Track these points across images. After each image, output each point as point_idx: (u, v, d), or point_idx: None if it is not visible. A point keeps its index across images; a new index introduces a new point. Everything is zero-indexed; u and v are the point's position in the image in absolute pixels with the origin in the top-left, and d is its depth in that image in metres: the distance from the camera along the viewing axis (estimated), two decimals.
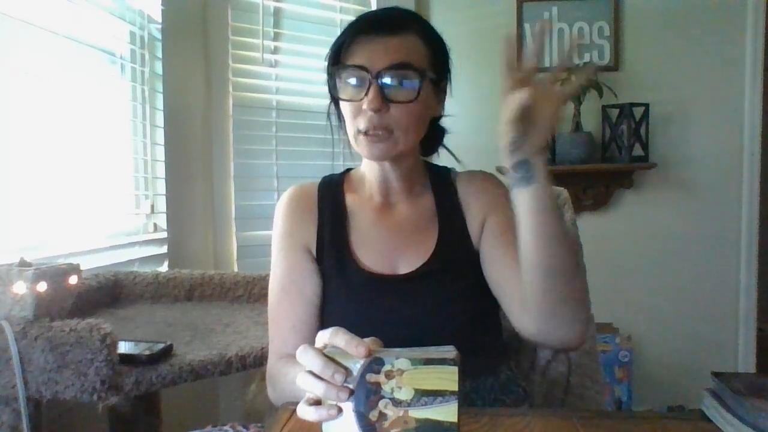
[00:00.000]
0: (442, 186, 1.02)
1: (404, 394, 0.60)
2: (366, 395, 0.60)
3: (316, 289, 0.95)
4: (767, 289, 2.77)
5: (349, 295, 0.94)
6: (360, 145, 0.92)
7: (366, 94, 0.87)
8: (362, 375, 0.60)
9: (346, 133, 0.96)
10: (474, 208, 0.98)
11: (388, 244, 0.96)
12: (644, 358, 2.63)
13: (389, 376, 0.60)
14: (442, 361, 0.60)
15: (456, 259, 0.95)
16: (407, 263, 0.94)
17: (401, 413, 0.60)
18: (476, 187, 1.01)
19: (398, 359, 0.60)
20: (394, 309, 0.91)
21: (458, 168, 1.06)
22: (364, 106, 0.87)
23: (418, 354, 0.60)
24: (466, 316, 0.92)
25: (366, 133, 0.89)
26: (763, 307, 2.68)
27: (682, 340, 2.64)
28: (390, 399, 0.60)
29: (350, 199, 1.01)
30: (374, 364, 0.60)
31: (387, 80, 0.87)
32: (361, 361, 0.60)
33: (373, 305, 0.92)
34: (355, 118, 0.90)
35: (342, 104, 0.93)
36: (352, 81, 0.89)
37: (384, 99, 0.87)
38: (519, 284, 0.87)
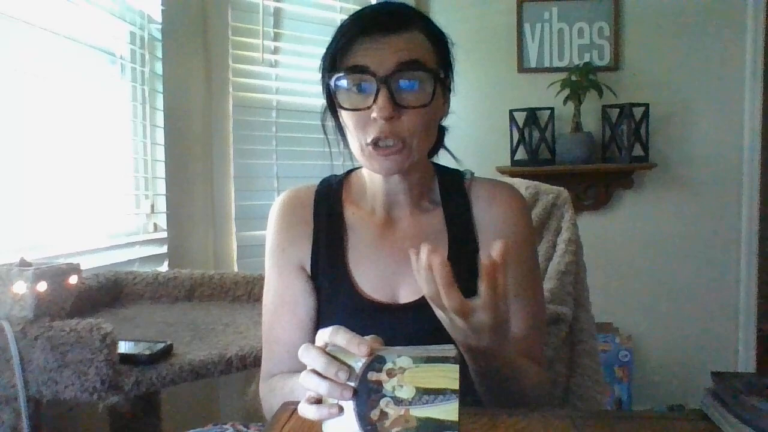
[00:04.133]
0: (454, 198, 0.92)
1: (405, 393, 0.60)
2: (367, 394, 0.60)
3: (309, 310, 0.89)
4: (767, 289, 2.77)
5: (343, 320, 0.84)
6: (369, 159, 0.82)
7: (374, 101, 0.77)
8: (363, 374, 0.60)
9: (346, 145, 0.88)
10: (489, 232, 0.89)
11: (388, 267, 0.88)
12: (644, 358, 2.63)
13: (390, 374, 0.60)
14: (443, 360, 0.60)
15: (464, 289, 0.88)
16: (409, 290, 0.87)
17: (402, 412, 0.60)
18: (497, 213, 0.90)
19: (400, 357, 0.60)
20: (391, 340, 0.82)
21: (464, 167, 0.97)
22: (374, 115, 0.78)
23: (419, 352, 0.60)
24: None
25: (376, 145, 0.80)
26: (763, 307, 2.68)
27: (682, 340, 2.64)
28: (391, 398, 0.60)
29: (349, 212, 0.92)
30: (375, 362, 0.60)
31: (397, 83, 0.78)
32: (362, 360, 0.60)
33: (367, 334, 0.84)
34: (363, 129, 0.80)
35: (345, 115, 0.83)
36: (356, 87, 0.80)
37: (395, 105, 0.78)
38: None
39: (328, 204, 0.93)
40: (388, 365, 0.60)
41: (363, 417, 0.60)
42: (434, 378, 0.60)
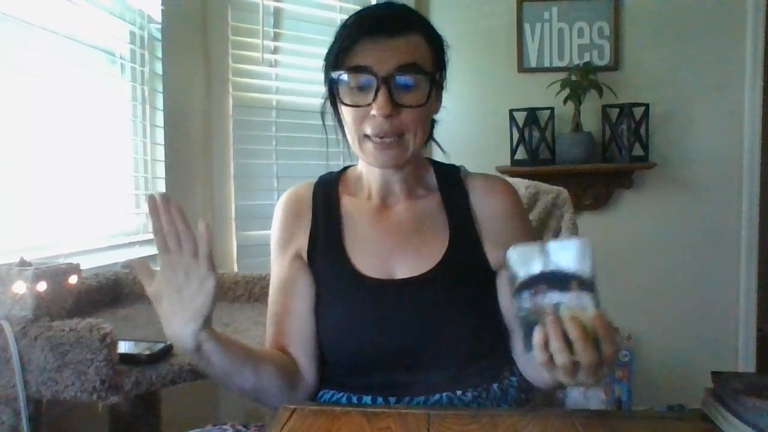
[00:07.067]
0: (451, 186, 0.97)
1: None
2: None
3: (303, 295, 0.92)
4: (767, 289, 2.77)
5: (342, 298, 0.90)
6: (366, 152, 0.88)
7: (374, 99, 0.83)
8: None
9: (344, 136, 0.92)
10: (490, 226, 0.93)
11: (384, 247, 0.92)
12: (644, 358, 2.63)
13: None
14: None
15: (466, 266, 0.90)
16: (405, 267, 0.90)
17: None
18: (495, 202, 0.95)
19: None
20: (390, 314, 0.87)
21: (454, 161, 1.02)
22: (373, 112, 0.83)
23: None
24: (469, 325, 0.88)
25: (373, 139, 0.85)
26: (763, 307, 2.68)
27: (682, 340, 2.64)
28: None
29: (346, 201, 0.97)
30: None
31: (396, 84, 0.83)
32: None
33: (366, 309, 0.88)
34: (361, 123, 0.85)
35: (344, 110, 0.88)
36: (358, 85, 0.84)
37: (394, 104, 0.83)
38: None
39: (326, 195, 0.98)
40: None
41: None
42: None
